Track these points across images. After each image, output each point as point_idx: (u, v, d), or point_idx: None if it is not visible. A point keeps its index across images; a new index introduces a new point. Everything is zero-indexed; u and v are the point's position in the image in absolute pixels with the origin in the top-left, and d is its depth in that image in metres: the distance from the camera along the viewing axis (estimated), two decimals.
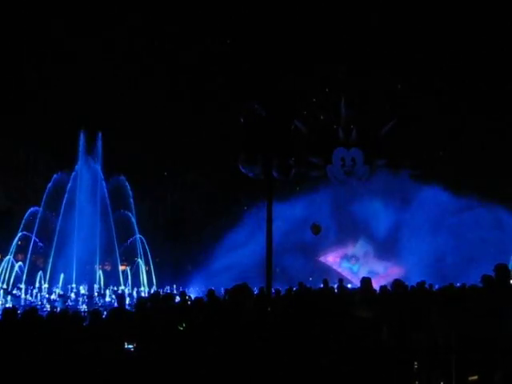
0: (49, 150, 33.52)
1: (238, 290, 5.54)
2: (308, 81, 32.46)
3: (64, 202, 26.70)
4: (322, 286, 15.96)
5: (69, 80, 34.95)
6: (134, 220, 28.33)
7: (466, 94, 33.07)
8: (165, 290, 26.30)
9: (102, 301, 22.49)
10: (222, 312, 6.44)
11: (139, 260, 28.54)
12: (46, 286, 24.74)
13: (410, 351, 7.32)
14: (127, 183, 28.57)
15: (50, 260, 26.52)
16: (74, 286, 24.89)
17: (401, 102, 33.11)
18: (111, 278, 27.47)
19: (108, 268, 30.41)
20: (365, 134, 30.66)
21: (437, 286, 14.38)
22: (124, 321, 8.02)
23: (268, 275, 7.60)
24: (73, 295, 23.26)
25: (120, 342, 7.25)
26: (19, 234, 26.82)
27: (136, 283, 27.84)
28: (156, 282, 28.45)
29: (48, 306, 19.73)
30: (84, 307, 20.00)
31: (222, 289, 17.36)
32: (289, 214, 27.21)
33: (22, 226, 26.82)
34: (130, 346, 7.41)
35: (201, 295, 18.65)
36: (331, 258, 31.95)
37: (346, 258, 31.73)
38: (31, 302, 21.61)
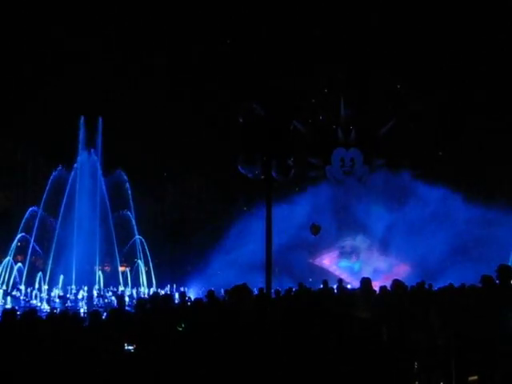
0: (48, 149, 33.50)
1: (238, 290, 5.54)
2: (307, 81, 32.48)
3: (65, 196, 26.65)
4: (321, 286, 15.97)
5: (68, 80, 34.92)
6: (133, 221, 28.34)
7: (466, 93, 33.07)
8: (165, 291, 26.33)
9: (101, 302, 22.50)
10: (222, 313, 6.44)
11: (139, 261, 28.54)
12: (45, 287, 24.73)
13: (410, 351, 7.31)
14: (126, 179, 28.58)
15: (50, 261, 26.52)
16: (73, 287, 24.90)
17: (400, 101, 33.15)
18: (111, 279, 27.47)
19: (108, 269, 30.43)
20: (364, 135, 30.69)
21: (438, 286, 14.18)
22: (124, 322, 8.02)
23: (268, 275, 7.60)
24: (72, 296, 23.28)
25: (120, 342, 7.24)
26: (19, 236, 26.80)
27: (136, 284, 27.85)
28: (155, 282, 28.45)
29: (47, 307, 19.72)
30: (84, 308, 20.00)
31: (222, 289, 17.37)
32: (288, 214, 27.14)
33: (21, 227, 26.80)
34: (130, 347, 7.40)
35: (200, 296, 18.67)
36: (327, 261, 30.27)
37: (344, 254, 29.94)
38: (31, 303, 21.61)
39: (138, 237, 28.35)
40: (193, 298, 14.84)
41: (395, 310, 7.61)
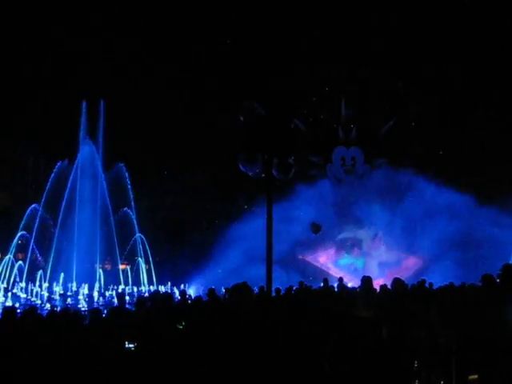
0: (49, 146, 33.51)
1: (238, 289, 5.55)
2: (308, 80, 32.49)
3: (66, 192, 26.67)
4: (321, 285, 16.00)
5: (68, 80, 34.95)
6: (134, 219, 28.37)
7: (466, 93, 33.07)
8: (166, 289, 26.38)
9: (102, 300, 22.52)
10: (223, 311, 6.45)
11: (139, 259, 28.57)
12: (46, 285, 24.76)
13: (410, 350, 7.32)
14: (127, 175, 28.63)
15: (51, 259, 26.55)
16: (74, 284, 24.95)
17: (401, 101, 33.15)
18: (111, 277, 27.50)
19: (108, 267, 30.48)
20: (365, 133, 30.69)
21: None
22: (124, 320, 8.03)
23: (268, 275, 7.60)
24: (73, 294, 23.31)
25: (120, 341, 7.25)
26: (19, 233, 26.83)
27: (136, 282, 27.88)
28: (156, 280, 28.48)
29: (48, 305, 19.74)
30: (84, 306, 20.03)
31: (223, 288, 17.41)
32: (288, 212, 27.14)
33: (22, 225, 26.83)
34: (131, 345, 7.41)
35: (200, 294, 18.70)
36: (322, 259, 28.99)
37: (344, 248, 28.31)
38: (31, 301, 21.63)
39: (138, 235, 28.39)
40: (193, 297, 14.87)
41: (395, 309, 7.62)
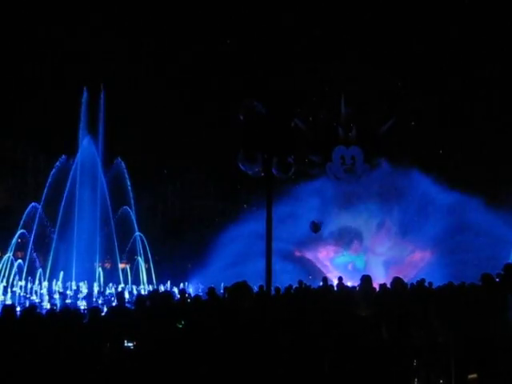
0: (48, 145, 33.53)
1: (238, 287, 5.54)
2: (308, 80, 32.48)
3: (66, 189, 26.66)
4: (321, 283, 16.00)
5: (68, 79, 34.96)
6: (133, 218, 28.38)
7: (466, 92, 33.08)
8: (165, 288, 26.37)
9: (101, 298, 22.52)
10: (222, 310, 6.44)
11: (139, 258, 28.57)
12: (45, 283, 24.76)
13: (410, 349, 7.32)
14: (127, 178, 28.65)
15: (50, 258, 26.55)
16: (73, 283, 24.95)
17: (400, 100, 33.14)
18: (111, 276, 27.51)
19: (108, 266, 30.48)
20: (364, 132, 30.66)
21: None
22: (124, 319, 8.02)
23: (268, 274, 7.59)
24: (72, 293, 23.30)
25: (120, 339, 7.25)
26: (19, 232, 26.82)
27: (136, 281, 27.88)
28: (155, 279, 28.49)
29: (47, 304, 19.73)
30: (84, 305, 20.02)
31: (222, 284, 17.41)
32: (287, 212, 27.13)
33: (21, 223, 26.82)
34: (130, 344, 7.41)
35: (200, 293, 18.70)
36: (322, 254, 28.15)
37: (342, 244, 27.26)
38: (31, 300, 21.62)
39: (138, 233, 28.39)
40: (192, 295, 14.85)
41: (395, 308, 7.61)
